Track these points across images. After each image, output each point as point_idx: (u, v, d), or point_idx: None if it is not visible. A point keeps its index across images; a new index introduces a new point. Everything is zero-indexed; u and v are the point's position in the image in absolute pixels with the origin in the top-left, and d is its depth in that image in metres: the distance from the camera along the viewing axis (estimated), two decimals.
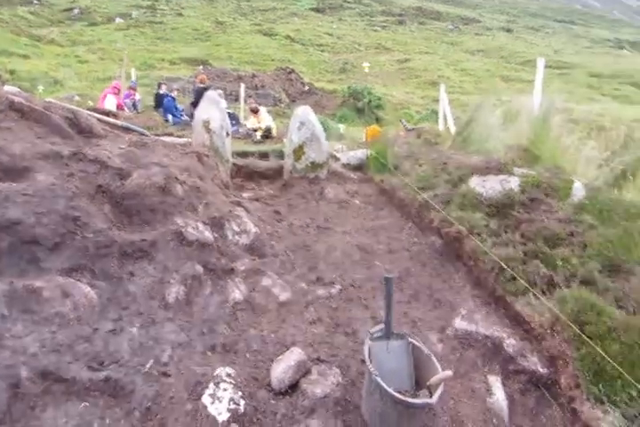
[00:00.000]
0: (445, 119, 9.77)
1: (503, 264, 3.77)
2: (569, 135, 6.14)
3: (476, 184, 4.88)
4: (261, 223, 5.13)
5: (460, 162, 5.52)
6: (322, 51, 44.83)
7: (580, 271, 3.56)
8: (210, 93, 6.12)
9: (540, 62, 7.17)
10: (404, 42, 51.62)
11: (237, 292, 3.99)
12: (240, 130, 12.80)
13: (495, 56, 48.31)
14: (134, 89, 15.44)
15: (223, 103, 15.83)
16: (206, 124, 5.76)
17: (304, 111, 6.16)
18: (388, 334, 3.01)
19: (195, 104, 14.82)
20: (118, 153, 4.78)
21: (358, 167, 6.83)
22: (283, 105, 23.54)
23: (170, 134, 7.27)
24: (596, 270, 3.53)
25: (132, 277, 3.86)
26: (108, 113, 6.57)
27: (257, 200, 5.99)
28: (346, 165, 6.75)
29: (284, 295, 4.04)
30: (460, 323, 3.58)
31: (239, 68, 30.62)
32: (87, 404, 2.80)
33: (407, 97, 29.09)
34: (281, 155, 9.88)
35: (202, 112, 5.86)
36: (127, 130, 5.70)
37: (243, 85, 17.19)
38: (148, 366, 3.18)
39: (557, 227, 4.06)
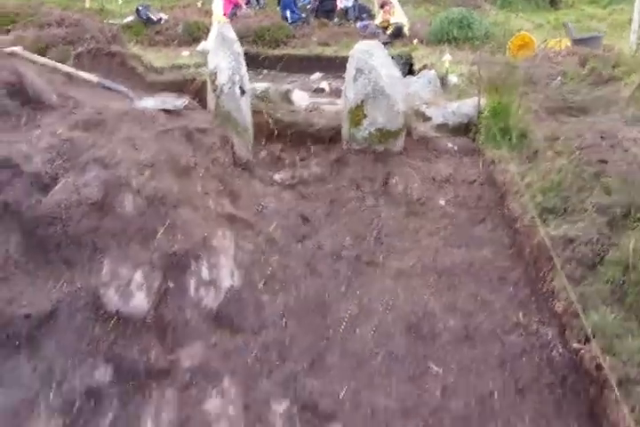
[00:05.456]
0: None
1: None
2: None
3: None
4: (262, 247, 3.12)
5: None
6: None
7: None
8: (222, 28, 3.72)
9: None
10: None
11: None
12: (368, 28, 10.45)
13: None
14: None
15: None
16: (212, 79, 3.59)
17: (363, 50, 3.51)
18: None
19: None
20: (46, 146, 3.00)
21: (464, 128, 4.11)
22: None
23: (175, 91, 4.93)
24: None
25: None
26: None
27: (292, 187, 3.88)
28: (441, 127, 4.06)
29: None
30: None
31: None
32: None
33: None
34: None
35: (210, 59, 3.63)
36: (108, 89, 3.85)
37: None
38: None
39: None
